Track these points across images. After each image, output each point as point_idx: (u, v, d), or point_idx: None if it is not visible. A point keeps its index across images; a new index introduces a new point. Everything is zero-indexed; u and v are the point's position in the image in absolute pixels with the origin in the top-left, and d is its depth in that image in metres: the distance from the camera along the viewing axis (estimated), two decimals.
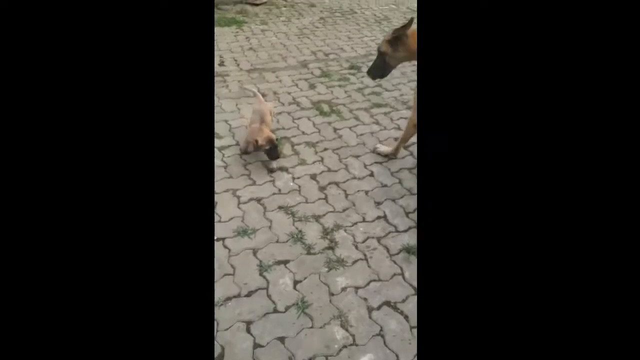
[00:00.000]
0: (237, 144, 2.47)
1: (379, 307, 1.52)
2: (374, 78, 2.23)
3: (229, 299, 1.53)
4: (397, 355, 1.36)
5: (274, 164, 2.27)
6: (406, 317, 1.49)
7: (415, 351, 1.37)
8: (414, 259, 1.73)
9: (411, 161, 2.40)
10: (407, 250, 1.77)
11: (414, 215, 1.97)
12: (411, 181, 2.23)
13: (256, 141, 2.16)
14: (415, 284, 1.62)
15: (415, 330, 1.44)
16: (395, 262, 1.71)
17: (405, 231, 1.88)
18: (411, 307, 1.53)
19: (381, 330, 1.44)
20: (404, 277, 1.65)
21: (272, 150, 2.20)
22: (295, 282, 1.62)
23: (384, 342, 1.40)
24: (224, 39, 4.15)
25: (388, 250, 1.77)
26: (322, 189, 2.15)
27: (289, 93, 3.15)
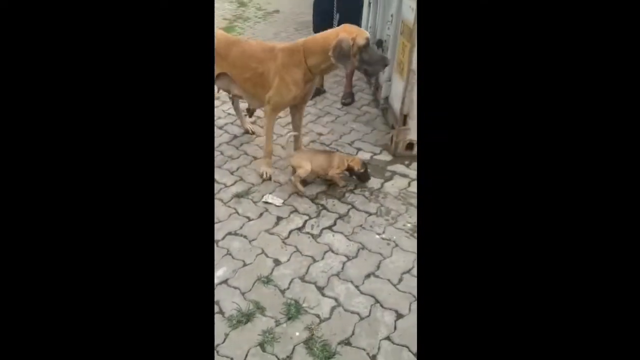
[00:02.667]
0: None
1: (223, 238, 1.94)
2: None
3: None
4: (243, 261, 1.81)
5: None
6: (245, 237, 1.95)
7: (254, 255, 1.84)
8: (243, 200, 2.20)
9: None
10: (237, 195, 2.23)
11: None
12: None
13: (351, 167, 2.21)
14: (248, 214, 2.10)
15: (254, 242, 1.92)
16: (229, 207, 2.15)
17: (233, 184, 2.34)
18: (247, 230, 2.00)
19: (228, 251, 1.87)
20: (238, 213, 2.11)
21: (365, 173, 2.28)
22: None
23: (232, 257, 1.83)
24: None
25: (222, 200, 2.20)
26: None
27: None
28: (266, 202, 2.18)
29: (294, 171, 2.23)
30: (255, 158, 2.59)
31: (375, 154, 2.67)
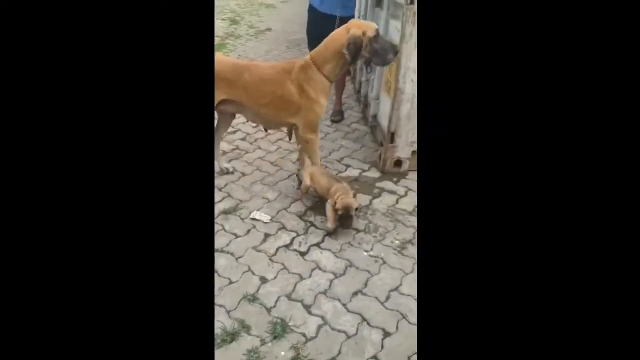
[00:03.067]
0: None
1: None
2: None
3: None
4: (229, 279, 1.79)
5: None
6: (231, 254, 1.93)
7: (240, 273, 1.82)
8: (230, 216, 2.19)
9: None
10: (224, 212, 2.22)
11: (226, 189, 2.44)
12: None
13: (335, 203, 2.02)
14: (235, 231, 2.08)
15: (240, 259, 1.90)
16: (216, 223, 2.14)
17: (221, 201, 2.32)
18: (234, 247, 1.98)
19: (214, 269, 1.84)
20: (225, 229, 2.09)
21: (345, 218, 2.02)
22: None
23: (218, 275, 1.81)
24: None
25: None
26: None
27: None
28: (254, 219, 2.17)
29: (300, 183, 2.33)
30: (243, 174, 2.59)
31: (364, 171, 2.68)
